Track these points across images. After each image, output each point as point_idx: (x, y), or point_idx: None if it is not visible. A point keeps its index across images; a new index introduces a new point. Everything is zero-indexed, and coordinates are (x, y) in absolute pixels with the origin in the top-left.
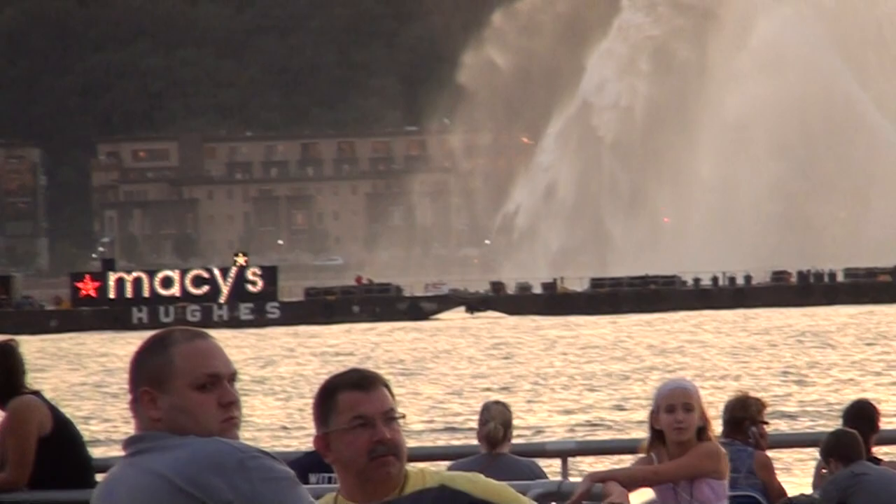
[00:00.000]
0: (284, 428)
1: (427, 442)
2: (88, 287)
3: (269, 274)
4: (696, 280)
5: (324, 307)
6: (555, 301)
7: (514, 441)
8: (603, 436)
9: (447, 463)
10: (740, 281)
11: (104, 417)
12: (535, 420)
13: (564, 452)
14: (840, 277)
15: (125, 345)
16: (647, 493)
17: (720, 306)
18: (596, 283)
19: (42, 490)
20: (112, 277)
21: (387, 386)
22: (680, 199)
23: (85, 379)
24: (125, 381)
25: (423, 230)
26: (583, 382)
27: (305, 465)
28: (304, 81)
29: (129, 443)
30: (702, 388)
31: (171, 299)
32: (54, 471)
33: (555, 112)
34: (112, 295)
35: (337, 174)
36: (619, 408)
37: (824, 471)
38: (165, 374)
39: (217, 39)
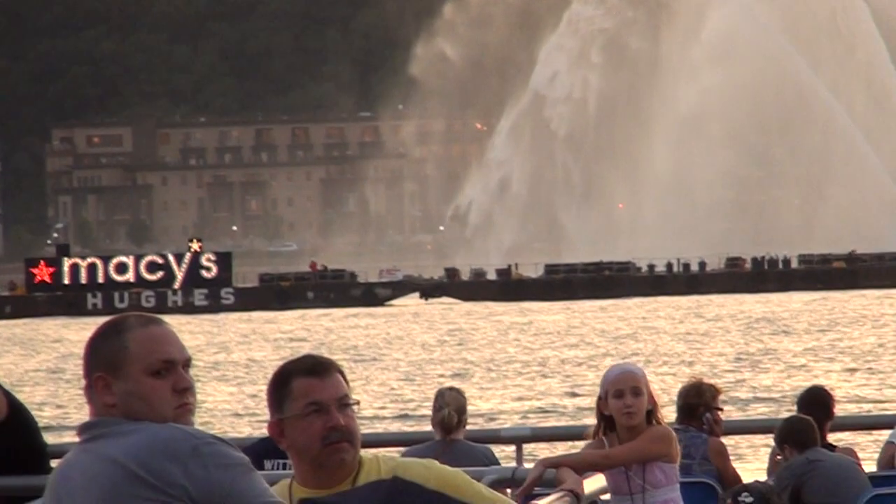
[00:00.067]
0: (238, 414)
1: (381, 428)
2: (43, 273)
3: (224, 260)
4: (651, 266)
5: (278, 293)
6: (509, 287)
7: (469, 427)
8: (557, 422)
9: (402, 449)
10: (695, 267)
11: (58, 403)
12: (489, 406)
13: (519, 439)
14: (794, 264)
15: (80, 330)
16: (601, 478)
17: (674, 292)
18: (550, 269)
19: None
20: (67, 263)
21: (341, 372)
22: (634, 189)
23: (39, 365)
24: (80, 367)
25: (378, 216)
26: (537, 369)
27: (260, 451)
28: (258, 67)
29: (83, 429)
30: (655, 374)
31: (126, 285)
32: (9, 457)
33: (507, 105)
34: (67, 281)
35: (291, 160)
36: (573, 394)
37: (779, 457)
38: (120, 360)
39: (171, 25)
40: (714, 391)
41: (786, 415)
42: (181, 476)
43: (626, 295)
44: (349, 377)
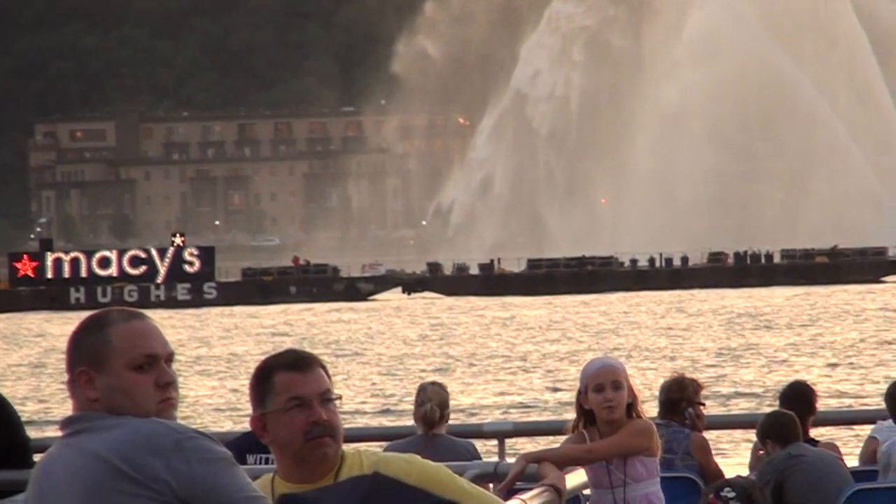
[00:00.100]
0: (220, 409)
1: (363, 423)
2: (26, 267)
3: (207, 254)
4: (633, 261)
5: (261, 288)
6: (492, 282)
7: (451, 422)
8: (539, 417)
9: (384, 444)
10: (677, 262)
11: (40, 398)
12: (471, 401)
13: (501, 433)
14: (777, 259)
15: (62, 325)
16: (582, 473)
17: (657, 287)
18: (533, 263)
19: None
20: (50, 258)
21: (323, 367)
22: (617, 186)
23: (21, 359)
24: (62, 362)
25: (360, 211)
26: (519, 363)
27: (242, 445)
28: (241, 62)
29: (66, 423)
30: (637, 369)
31: (109, 279)
32: None
33: (489, 104)
34: (50, 275)
35: (274, 155)
36: (556, 389)
37: (761, 452)
38: (103, 355)
39: (153, 20)
40: (696, 386)
41: (768, 410)
42: (164, 470)
43: (609, 290)
44: (331, 372)
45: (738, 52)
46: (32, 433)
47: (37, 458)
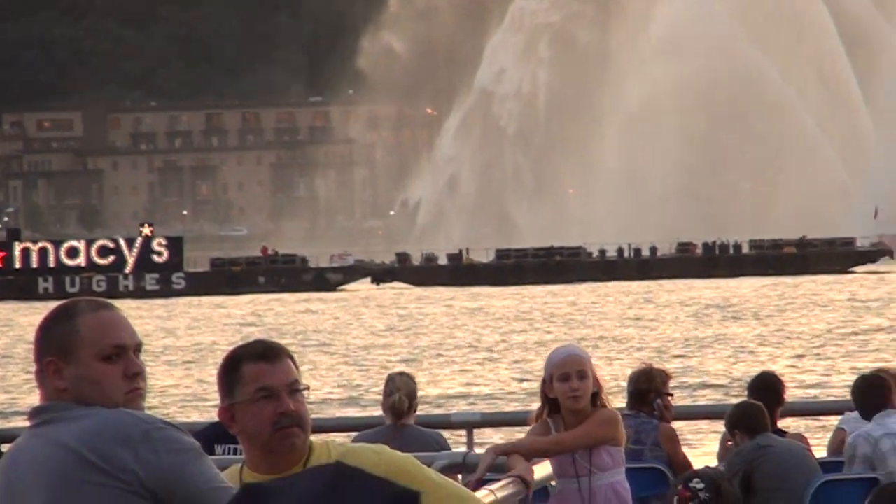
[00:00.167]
0: (188, 399)
1: (332, 413)
2: None
3: (175, 244)
4: (602, 251)
5: (229, 278)
6: (460, 272)
7: (419, 412)
8: (507, 407)
9: (352, 434)
10: (646, 252)
11: (7, 388)
12: (439, 391)
13: (470, 424)
14: (745, 249)
15: (30, 315)
16: (549, 465)
17: (625, 278)
18: (501, 254)
19: None
20: (17, 247)
21: (291, 357)
22: (586, 179)
23: None
24: (30, 352)
25: (328, 201)
26: (487, 354)
27: (210, 436)
28: (209, 52)
29: (34, 413)
30: (606, 359)
31: (77, 269)
32: None
33: (455, 102)
34: (17, 265)
35: (241, 145)
36: (524, 379)
37: (729, 443)
38: (71, 345)
39: (121, 10)
40: (664, 377)
41: (735, 400)
42: (132, 461)
43: (577, 280)
44: (299, 362)
45: (706, 43)
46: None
47: (4, 448)
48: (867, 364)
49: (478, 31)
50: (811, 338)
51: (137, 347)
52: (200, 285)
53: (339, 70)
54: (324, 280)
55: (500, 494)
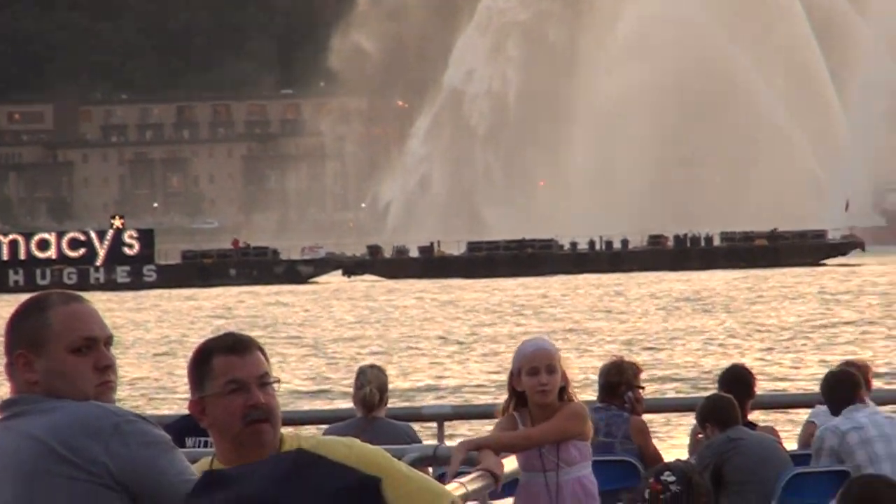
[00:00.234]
0: (159, 392)
1: (302, 406)
2: None
3: (146, 237)
4: (573, 244)
5: (200, 270)
6: (432, 264)
7: (390, 405)
8: (478, 400)
9: (323, 427)
10: (617, 245)
11: None
12: (409, 384)
13: (440, 416)
14: (717, 242)
15: (1, 307)
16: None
17: (597, 270)
18: (473, 246)
19: None
20: None
21: (261, 350)
22: (556, 174)
23: None
24: (0, 344)
25: (299, 194)
26: (458, 346)
27: (181, 428)
28: (180, 44)
29: (4, 406)
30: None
31: (48, 262)
32: None
33: (425, 102)
34: None
35: (212, 137)
36: (494, 371)
37: (700, 436)
38: (42, 338)
39: (92, 2)
40: (635, 369)
41: (706, 393)
42: (102, 453)
43: (549, 273)
44: (270, 355)
45: (677, 36)
46: None
47: None
48: (837, 357)
49: (448, 28)
50: (781, 330)
51: (108, 340)
52: (171, 278)
53: (311, 63)
54: (295, 272)
55: (470, 487)
